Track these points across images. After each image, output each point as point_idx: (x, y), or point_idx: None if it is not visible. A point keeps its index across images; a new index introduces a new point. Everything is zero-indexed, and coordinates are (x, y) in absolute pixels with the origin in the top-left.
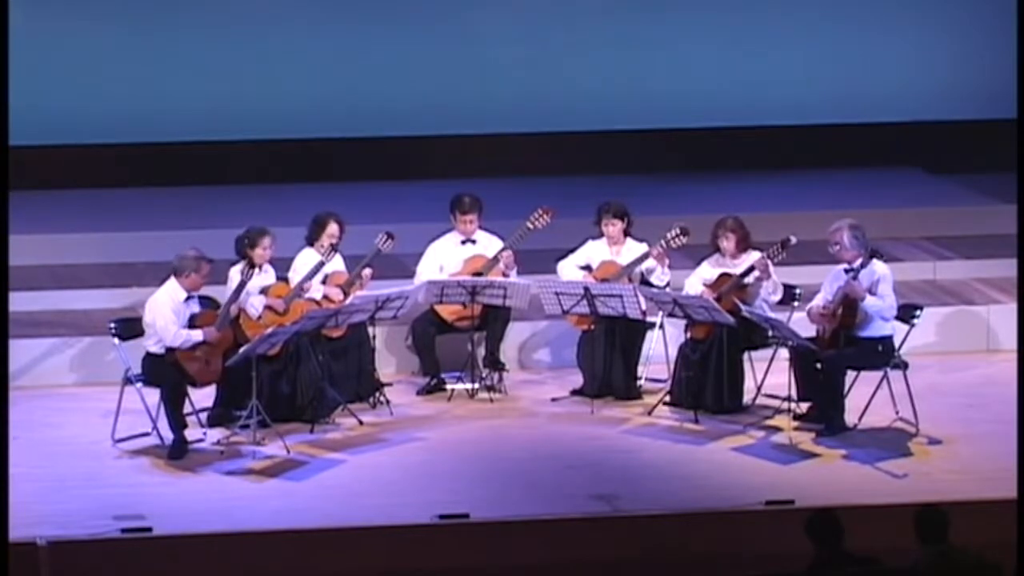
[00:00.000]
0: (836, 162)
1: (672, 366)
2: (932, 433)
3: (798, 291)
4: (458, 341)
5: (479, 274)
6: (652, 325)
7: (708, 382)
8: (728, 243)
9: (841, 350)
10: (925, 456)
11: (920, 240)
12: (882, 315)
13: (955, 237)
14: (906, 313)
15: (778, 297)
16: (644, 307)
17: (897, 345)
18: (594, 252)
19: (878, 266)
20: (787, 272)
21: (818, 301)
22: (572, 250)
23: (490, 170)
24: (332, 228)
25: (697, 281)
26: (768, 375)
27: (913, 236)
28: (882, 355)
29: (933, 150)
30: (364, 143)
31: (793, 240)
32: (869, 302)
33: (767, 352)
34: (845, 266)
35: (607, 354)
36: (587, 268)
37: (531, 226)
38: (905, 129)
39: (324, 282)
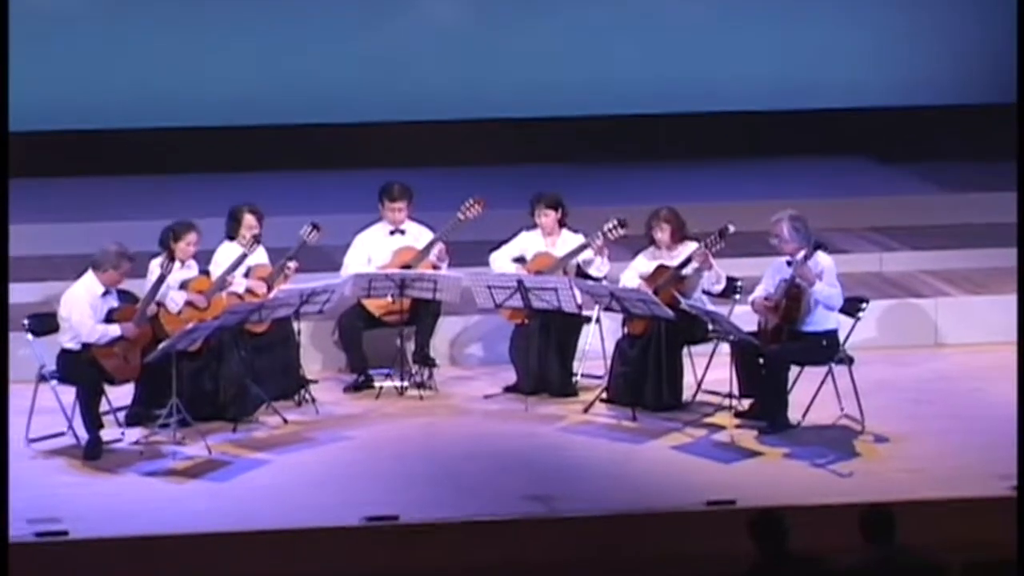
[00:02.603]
0: (780, 150)
1: (609, 362)
2: (879, 430)
3: (739, 284)
4: (387, 336)
5: (408, 267)
6: (588, 319)
7: (647, 378)
8: (663, 234)
9: (784, 345)
10: (872, 454)
11: (866, 231)
12: (831, 304)
13: (902, 228)
14: (851, 306)
15: (721, 287)
16: (580, 301)
17: (842, 339)
18: (528, 244)
19: (822, 258)
20: (728, 264)
21: (759, 293)
22: (505, 241)
23: (420, 159)
24: (249, 220)
25: (634, 274)
26: (709, 371)
27: (859, 227)
28: (827, 350)
29: (884, 138)
30: (289, 131)
31: (731, 228)
32: (819, 288)
33: (708, 347)
34: (787, 258)
35: (542, 349)
36: (521, 260)
37: (462, 217)
38: (855, 116)
39: (247, 275)
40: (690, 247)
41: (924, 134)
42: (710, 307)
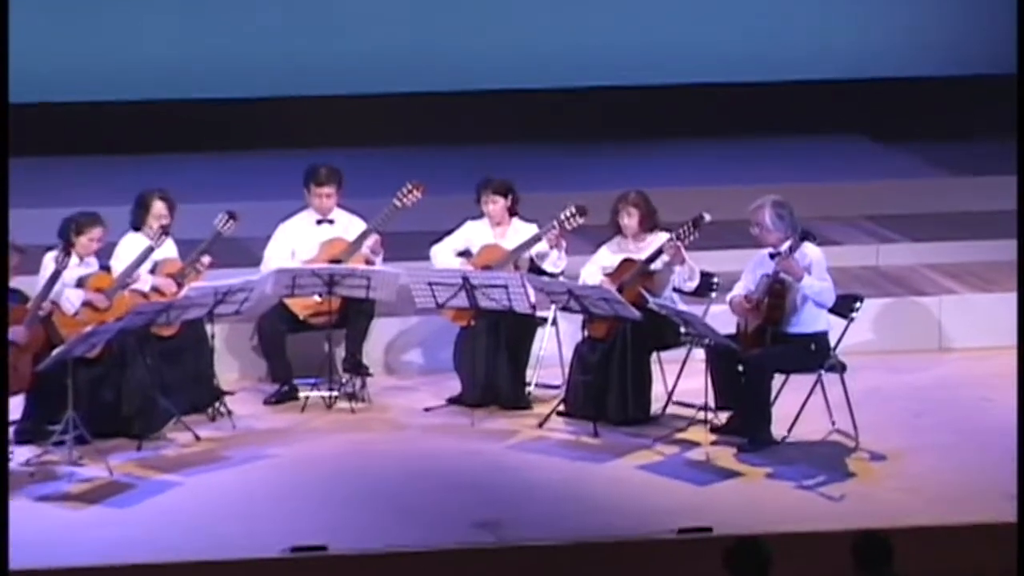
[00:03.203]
0: (762, 128)
1: (567, 369)
2: (875, 447)
3: (716, 280)
4: (313, 341)
5: (338, 261)
6: (543, 321)
7: (610, 388)
8: (630, 221)
9: (767, 349)
10: (867, 474)
11: (861, 220)
12: (820, 302)
13: (902, 216)
14: (844, 306)
15: (695, 284)
16: (534, 299)
17: (833, 343)
18: (474, 235)
19: (810, 250)
20: (703, 257)
21: (738, 291)
22: (448, 232)
23: (352, 138)
24: (158, 208)
25: (596, 269)
26: (681, 379)
27: (853, 215)
28: (815, 355)
29: (880, 113)
30: (203, 106)
31: (707, 218)
32: (808, 283)
33: (679, 352)
34: (770, 250)
35: (490, 355)
36: (466, 254)
37: (399, 204)
38: (847, 88)
39: (153, 271)
40: (660, 238)
41: (925, 109)
42: (682, 307)
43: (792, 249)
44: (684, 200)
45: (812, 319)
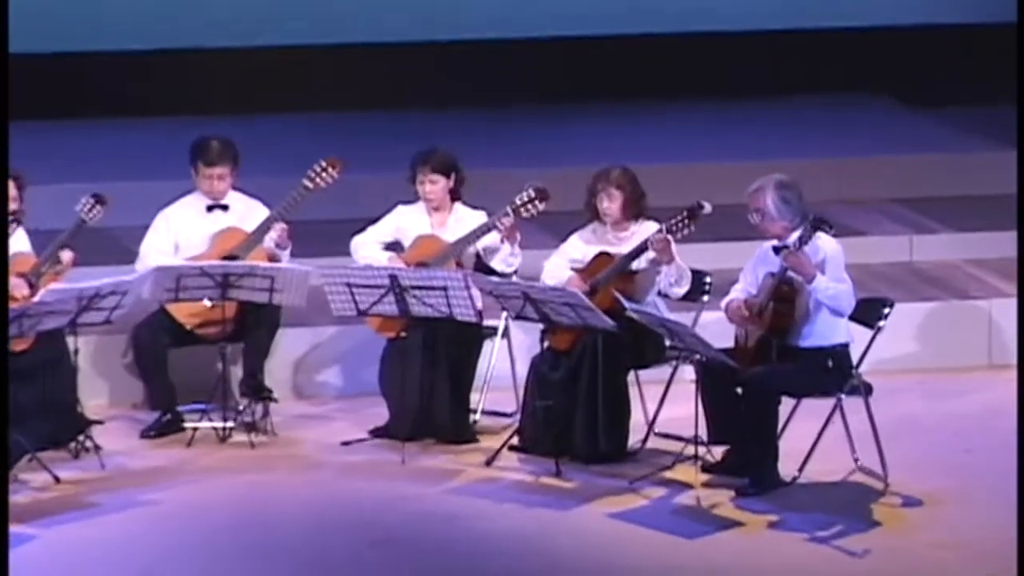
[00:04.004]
0: (768, 89)
1: (522, 392)
2: (908, 490)
3: (709, 281)
4: (203, 357)
5: (234, 257)
6: (493, 332)
7: (577, 416)
8: (611, 205)
9: (772, 367)
10: (898, 524)
11: (889, 204)
12: (838, 306)
13: (941, 199)
14: (869, 312)
15: (683, 289)
16: (480, 305)
17: (856, 359)
18: (407, 223)
19: (824, 243)
20: (693, 252)
21: (737, 294)
22: (375, 220)
23: (251, 102)
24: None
25: (563, 263)
26: (665, 405)
27: (879, 198)
28: (833, 374)
29: (909, 70)
30: (56, 61)
31: (706, 208)
32: (821, 284)
33: (663, 372)
34: (775, 243)
35: (425, 375)
36: (396, 247)
37: (311, 185)
38: (872, 39)
39: None
40: (647, 229)
41: (966, 65)
42: (668, 314)
43: (802, 241)
44: (672, 178)
45: (828, 329)
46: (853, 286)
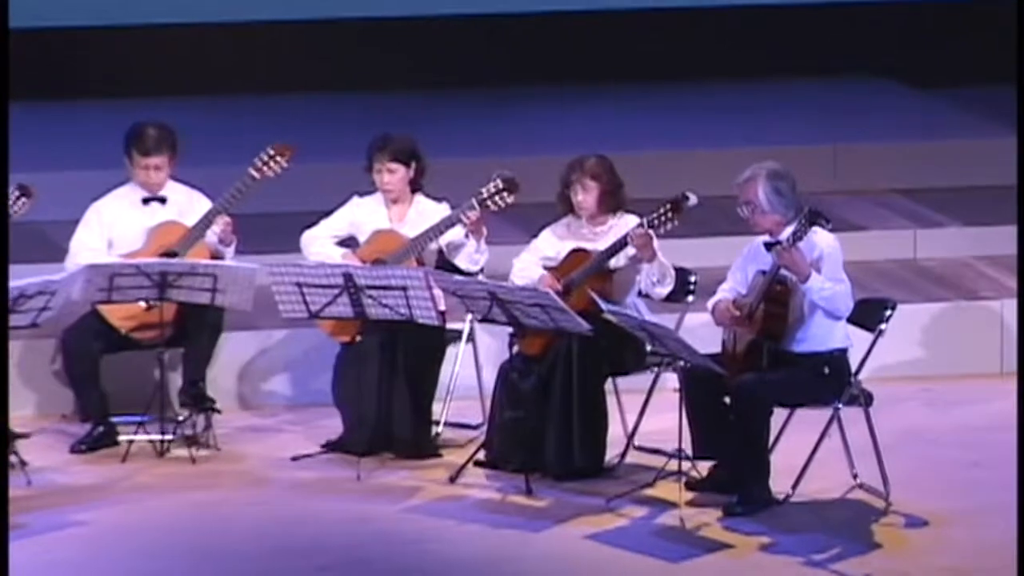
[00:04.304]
0: (759, 68)
1: (489, 402)
2: (912, 508)
3: (694, 279)
4: (139, 364)
5: (173, 254)
6: (457, 336)
7: (549, 428)
8: (586, 197)
9: (763, 375)
10: (901, 546)
11: (891, 195)
12: (835, 308)
13: (948, 190)
14: (869, 314)
15: (666, 289)
16: (443, 306)
17: (855, 366)
18: (363, 217)
19: (821, 238)
20: (677, 249)
21: (725, 294)
22: (328, 213)
23: (189, 83)
24: None
25: (534, 260)
26: (646, 416)
27: (880, 189)
28: (830, 382)
29: (915, 48)
30: None
31: (692, 200)
32: (816, 283)
33: (644, 380)
34: (766, 239)
35: (383, 384)
36: (351, 243)
37: (257, 175)
38: (869, 14)
39: None
40: (626, 223)
41: (979, 43)
42: (649, 316)
43: (796, 237)
44: (648, 168)
45: (825, 333)
46: (852, 286)
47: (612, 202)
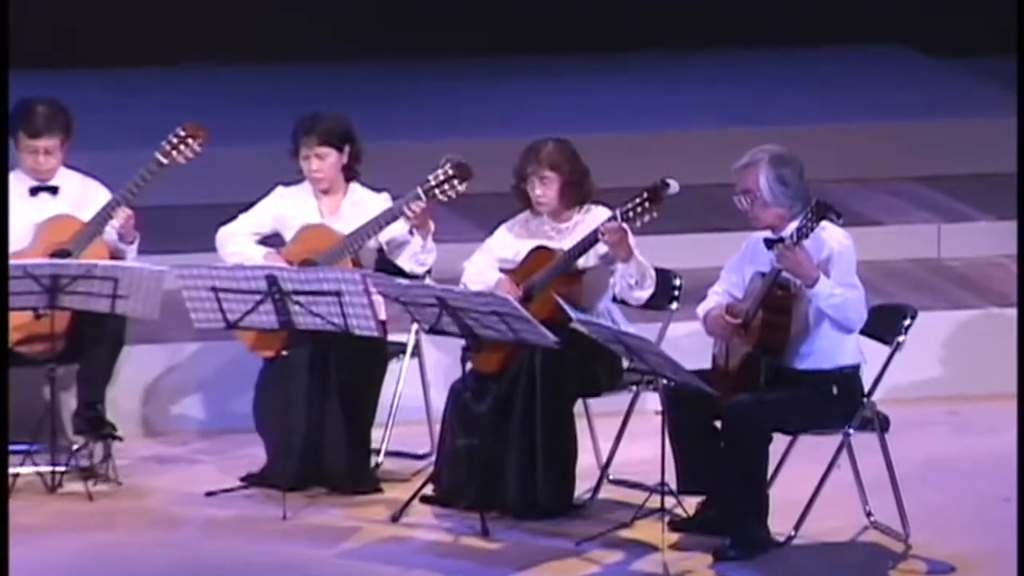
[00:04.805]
0: (756, 37)
1: (439, 427)
2: (936, 551)
3: (679, 282)
4: (27, 383)
5: (66, 253)
6: (400, 349)
7: (509, 458)
8: (545, 191)
9: (761, 395)
10: None
11: (911, 183)
12: (845, 317)
13: (976, 178)
14: (886, 324)
15: (645, 293)
16: (384, 315)
17: (868, 384)
18: (289, 210)
19: (830, 235)
20: (658, 246)
21: (717, 298)
22: (251, 205)
23: (85, 55)
24: None
25: (489, 262)
26: (623, 443)
27: (898, 176)
28: (839, 403)
29: (936, 12)
30: None
31: (672, 187)
32: (823, 289)
33: (621, 401)
34: (766, 235)
35: (314, 406)
36: (275, 240)
37: (166, 160)
38: None
39: None
40: (595, 217)
41: (1010, 3)
42: (626, 326)
43: (801, 234)
44: (622, 151)
45: (834, 347)
46: (865, 292)
47: (576, 194)
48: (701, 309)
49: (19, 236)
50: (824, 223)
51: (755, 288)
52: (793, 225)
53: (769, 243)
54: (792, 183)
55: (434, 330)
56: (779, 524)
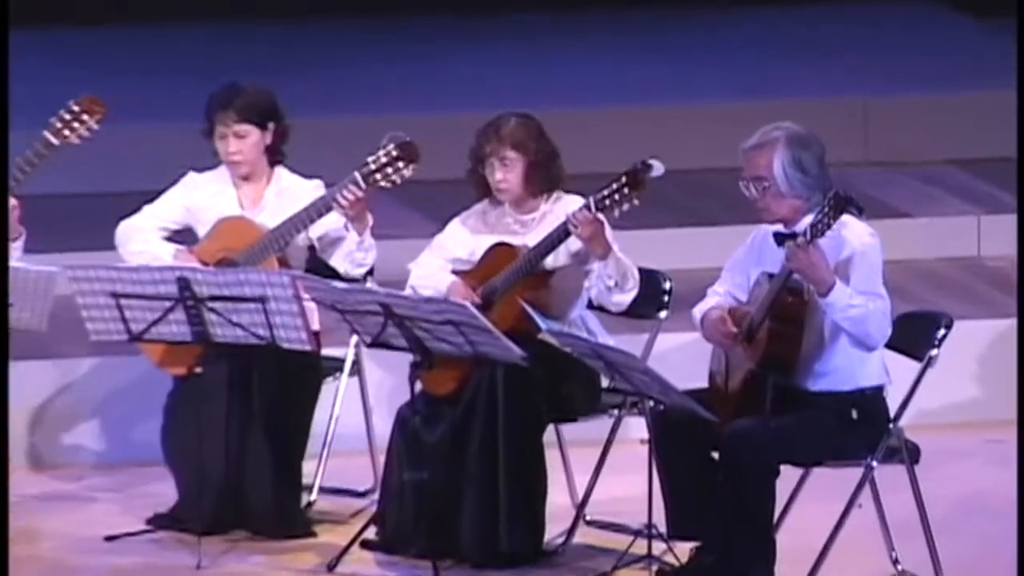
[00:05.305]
0: None
1: (383, 459)
2: None
3: (668, 286)
4: None
5: None
6: (337, 366)
7: (466, 496)
8: (507, 175)
9: (767, 419)
10: None
11: (944, 166)
12: (865, 332)
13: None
14: (915, 335)
15: (627, 297)
16: (316, 325)
17: (895, 408)
18: (202, 200)
19: (853, 233)
20: (642, 241)
21: (717, 298)
22: (158, 195)
23: None
24: None
25: (440, 264)
26: (602, 478)
27: (930, 159)
28: (861, 430)
29: None
30: None
31: (656, 168)
32: (841, 299)
33: (600, 427)
34: (776, 228)
35: (234, 433)
36: (187, 236)
37: (56, 140)
38: None
39: None
40: (565, 207)
41: None
42: (605, 338)
43: (817, 230)
44: (599, 129)
45: (854, 364)
46: (892, 298)
47: (544, 180)
48: (698, 310)
49: None
50: (845, 218)
51: (762, 292)
52: (808, 220)
53: (780, 238)
54: (812, 170)
55: (377, 343)
56: (788, 573)
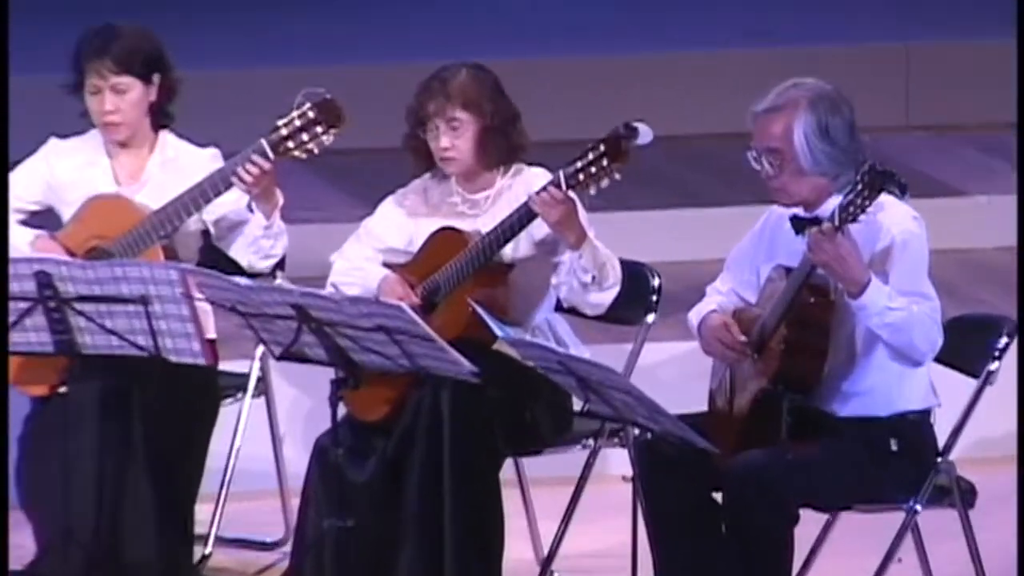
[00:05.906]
0: None
1: (299, 501)
2: None
3: (658, 283)
4: None
5: None
6: (241, 384)
7: (403, 547)
8: (457, 141)
9: (782, 452)
10: None
11: (1004, 131)
12: (907, 344)
13: None
14: (969, 344)
15: (606, 296)
16: (212, 332)
17: (944, 439)
18: (68, 174)
19: (891, 216)
20: (625, 226)
21: (719, 298)
22: (12, 167)
23: None
24: None
25: (369, 255)
26: (573, 524)
27: (988, 123)
28: (901, 465)
29: None
30: None
31: (642, 134)
32: (878, 302)
33: (571, 460)
34: (795, 212)
35: (108, 468)
36: (49, 219)
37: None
38: None
39: None
40: (529, 182)
41: None
42: (579, 348)
43: (848, 214)
44: (577, 85)
45: (892, 383)
46: (942, 301)
47: (501, 148)
48: (695, 314)
49: None
50: (881, 198)
51: (776, 291)
52: (835, 201)
53: (800, 224)
54: (840, 139)
55: (289, 355)
56: None
